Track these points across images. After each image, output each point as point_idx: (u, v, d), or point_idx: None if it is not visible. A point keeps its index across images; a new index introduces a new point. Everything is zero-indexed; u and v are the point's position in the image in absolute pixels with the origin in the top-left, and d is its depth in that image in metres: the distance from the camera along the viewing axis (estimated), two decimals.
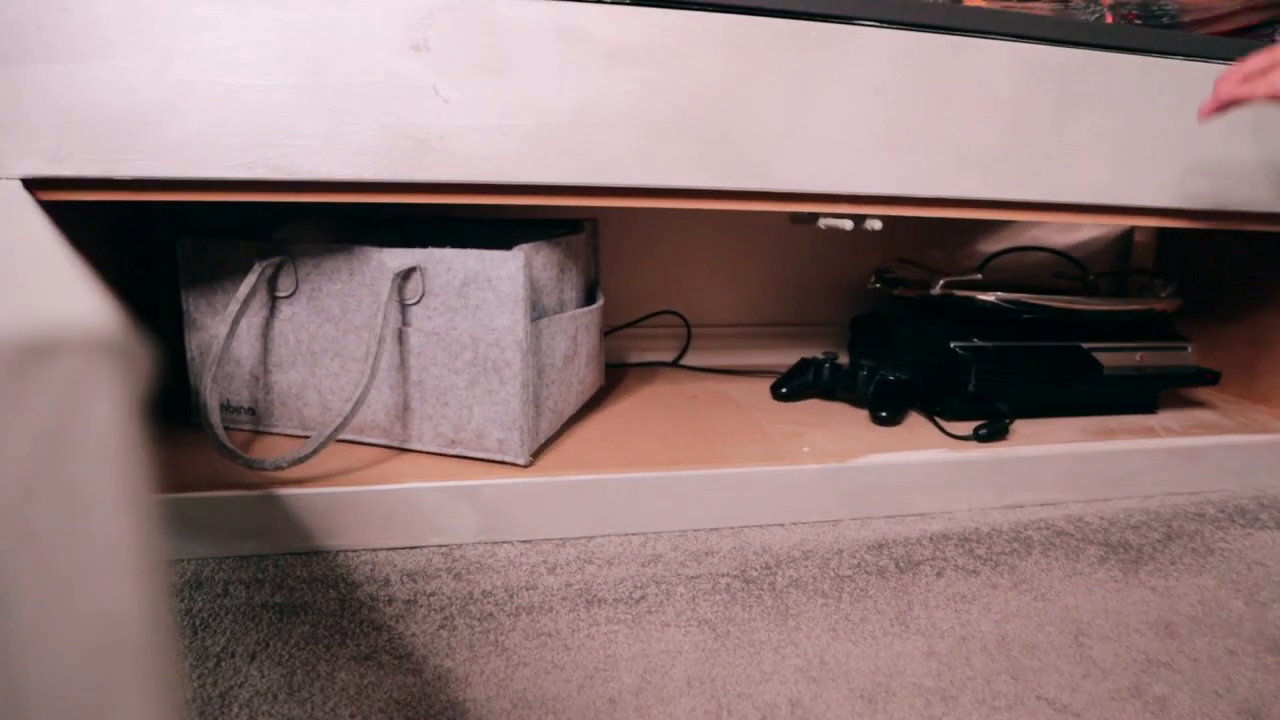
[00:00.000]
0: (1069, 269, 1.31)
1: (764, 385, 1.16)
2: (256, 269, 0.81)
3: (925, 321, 1.07)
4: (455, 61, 0.70)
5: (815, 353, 1.28)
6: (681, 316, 1.25)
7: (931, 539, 0.85)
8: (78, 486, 0.14)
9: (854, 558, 0.80)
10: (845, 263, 1.33)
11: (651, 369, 1.22)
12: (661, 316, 1.25)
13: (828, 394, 1.10)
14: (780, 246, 1.30)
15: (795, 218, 0.95)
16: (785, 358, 1.30)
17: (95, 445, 0.14)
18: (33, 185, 0.66)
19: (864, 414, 1.04)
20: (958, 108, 0.82)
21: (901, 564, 0.80)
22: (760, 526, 0.86)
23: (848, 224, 0.82)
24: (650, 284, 1.25)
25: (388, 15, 0.69)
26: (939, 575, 0.78)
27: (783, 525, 0.87)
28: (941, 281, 1.04)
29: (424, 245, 0.85)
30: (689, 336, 1.25)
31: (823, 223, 0.84)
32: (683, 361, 1.25)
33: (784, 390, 1.08)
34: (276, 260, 0.83)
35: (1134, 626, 0.72)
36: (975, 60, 0.82)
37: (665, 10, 0.74)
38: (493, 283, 0.78)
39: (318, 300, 0.83)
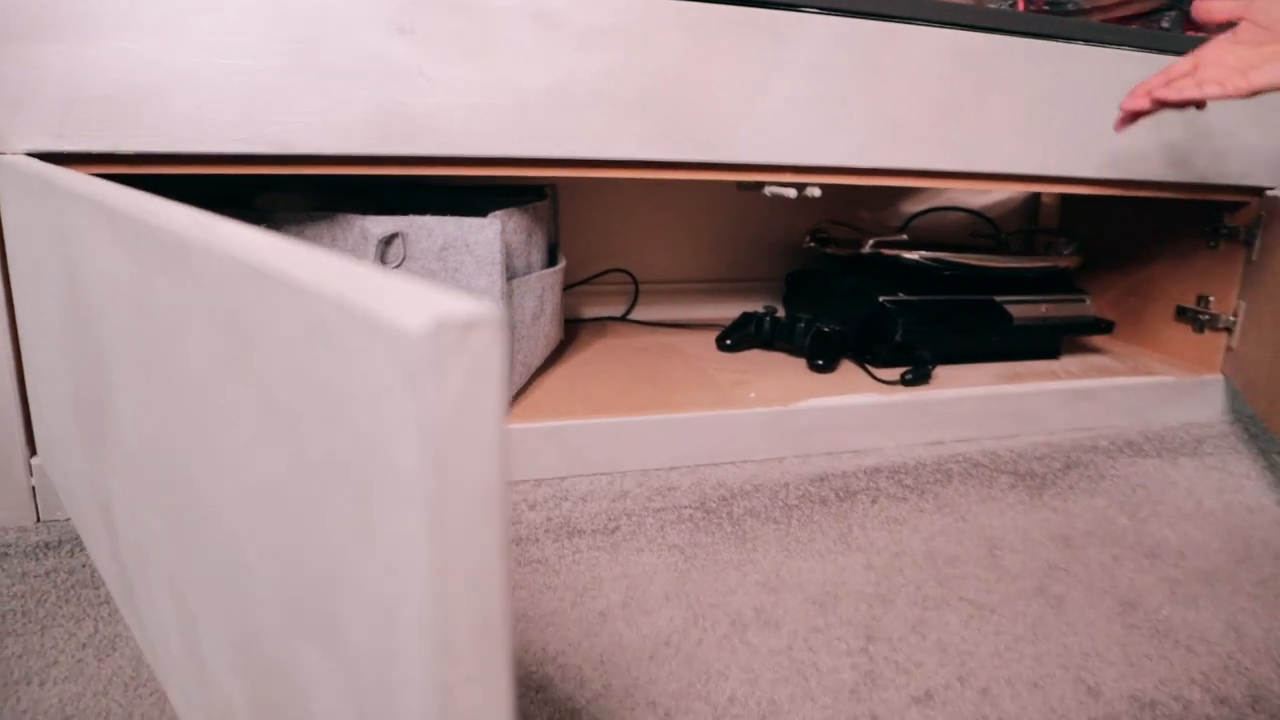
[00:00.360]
0: (983, 228, 1.43)
1: (708, 337, 1.25)
2: None
3: (856, 278, 1.17)
4: (438, 44, 0.76)
5: (754, 307, 1.38)
6: (630, 274, 1.33)
7: (865, 472, 0.96)
8: (479, 433, 0.20)
9: (799, 489, 0.91)
10: (781, 223, 1.42)
11: (603, 323, 1.30)
12: (611, 274, 1.33)
13: (768, 345, 1.19)
14: (721, 208, 1.38)
15: (742, 185, 1.03)
16: (726, 311, 1.39)
17: (492, 404, 0.20)
18: (39, 159, 0.70)
19: (802, 363, 1.14)
20: (891, 87, 0.91)
21: (840, 494, 0.90)
22: (714, 465, 0.95)
23: (791, 192, 0.91)
24: (601, 244, 1.33)
25: (384, 3, 0.74)
26: (873, 502, 0.89)
27: (734, 463, 0.96)
28: (871, 241, 1.14)
29: (399, 212, 0.90)
30: (636, 293, 1.33)
31: (768, 190, 0.92)
32: (631, 316, 1.33)
33: (728, 342, 1.18)
34: (260, 227, 0.87)
35: (1037, 540, 0.84)
36: (906, 44, 0.91)
37: None
38: (471, 247, 0.85)
39: None
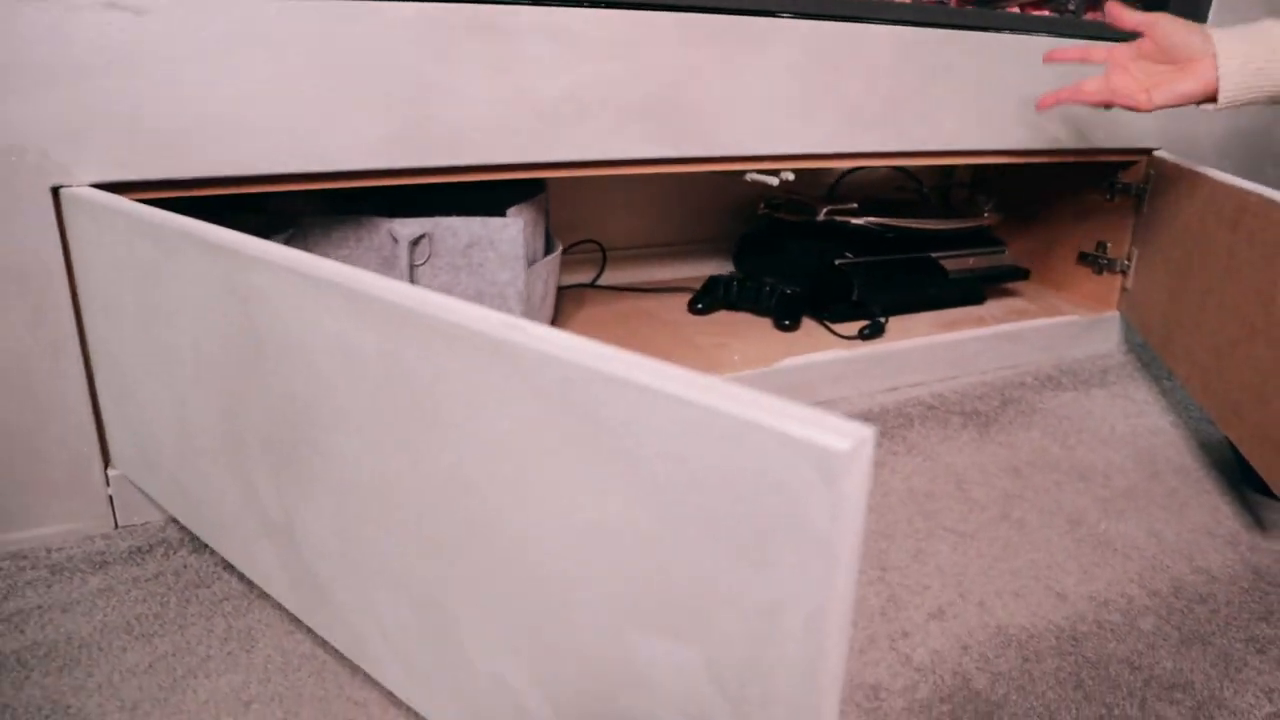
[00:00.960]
0: (906, 183, 1.57)
1: (677, 300, 1.35)
2: (276, 242, 0.90)
3: (812, 242, 1.29)
4: (468, 63, 0.82)
5: (708, 268, 1.49)
6: (599, 244, 1.41)
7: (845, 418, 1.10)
8: (858, 502, 0.30)
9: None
10: (730, 189, 1.53)
11: (578, 291, 1.38)
12: (581, 245, 1.41)
13: (734, 306, 1.31)
14: (676, 178, 1.47)
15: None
16: (682, 272, 1.50)
17: (865, 485, 0.30)
18: (101, 189, 0.74)
19: (767, 322, 1.26)
20: (851, 81, 1.02)
21: None
22: None
23: (773, 180, 1.01)
24: (569, 215, 1.40)
25: (412, 27, 0.79)
26: None
27: None
28: (825, 210, 1.26)
29: (410, 207, 0.96)
30: (604, 261, 1.42)
31: (749, 177, 1.03)
32: (600, 282, 1.42)
33: (699, 306, 1.29)
34: (289, 233, 0.92)
35: (993, 473, 1.00)
36: (863, 42, 1.01)
37: (630, 10, 0.88)
38: (495, 244, 0.92)
39: None
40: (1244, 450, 0.93)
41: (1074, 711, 0.66)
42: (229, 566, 0.76)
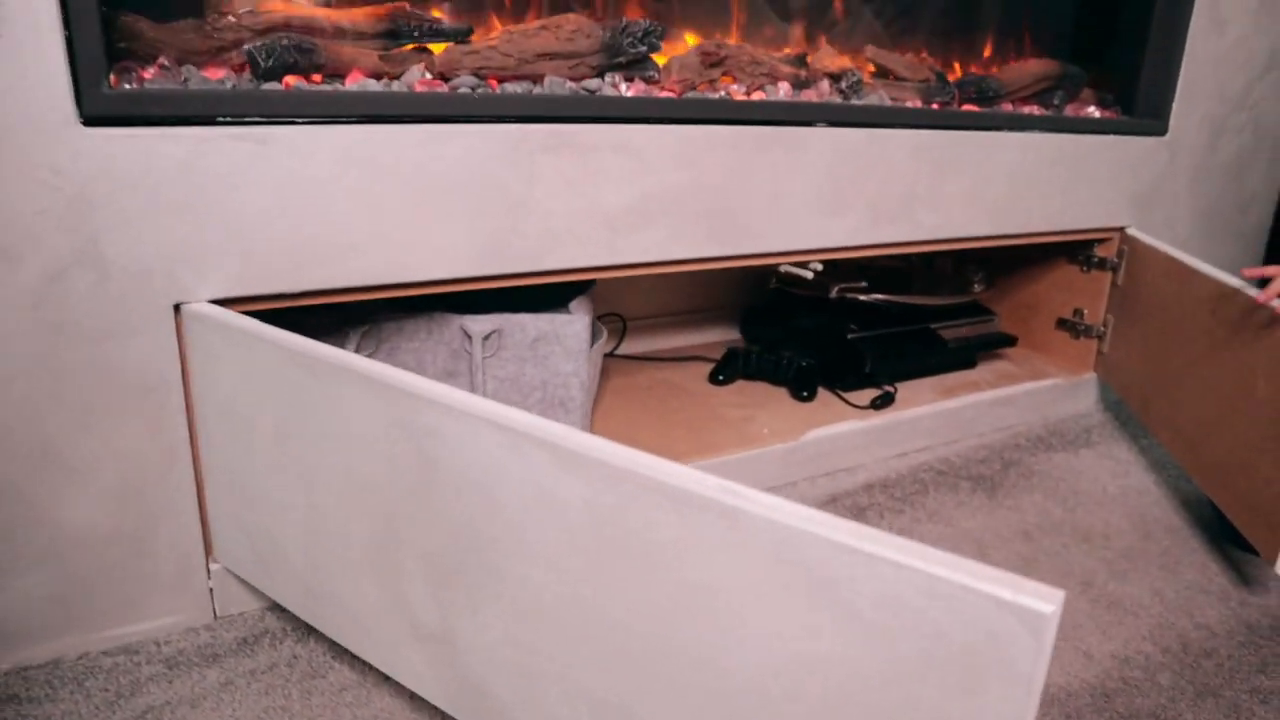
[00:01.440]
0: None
1: (696, 370, 1.43)
2: (354, 338, 0.96)
3: (824, 316, 1.39)
4: (548, 179, 0.90)
5: (717, 335, 1.57)
6: (620, 316, 1.49)
7: (863, 489, 1.19)
8: (1050, 643, 0.39)
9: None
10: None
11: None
12: (603, 316, 1.48)
13: (750, 377, 1.39)
14: None
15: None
16: (693, 339, 1.58)
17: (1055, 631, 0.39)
18: (217, 303, 0.79)
19: (784, 392, 1.35)
20: (874, 180, 1.12)
21: (853, 512, 1.13)
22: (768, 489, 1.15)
23: (808, 273, 1.10)
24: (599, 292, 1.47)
25: (499, 146, 0.86)
26: (881, 517, 1.12)
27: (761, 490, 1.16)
28: (836, 288, 1.35)
29: (471, 302, 1.01)
30: (624, 331, 1.50)
31: (783, 269, 1.12)
32: (619, 351, 1.49)
33: (720, 377, 1.37)
34: (364, 329, 0.98)
35: (1007, 537, 1.09)
36: (885, 145, 1.12)
37: (691, 125, 0.96)
38: (561, 339, 0.99)
39: (395, 357, 1.00)
40: (1229, 515, 1.05)
41: None
42: (338, 655, 0.81)
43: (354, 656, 0.81)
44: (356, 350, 0.99)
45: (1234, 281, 1.08)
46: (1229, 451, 1.05)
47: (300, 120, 0.77)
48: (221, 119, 0.75)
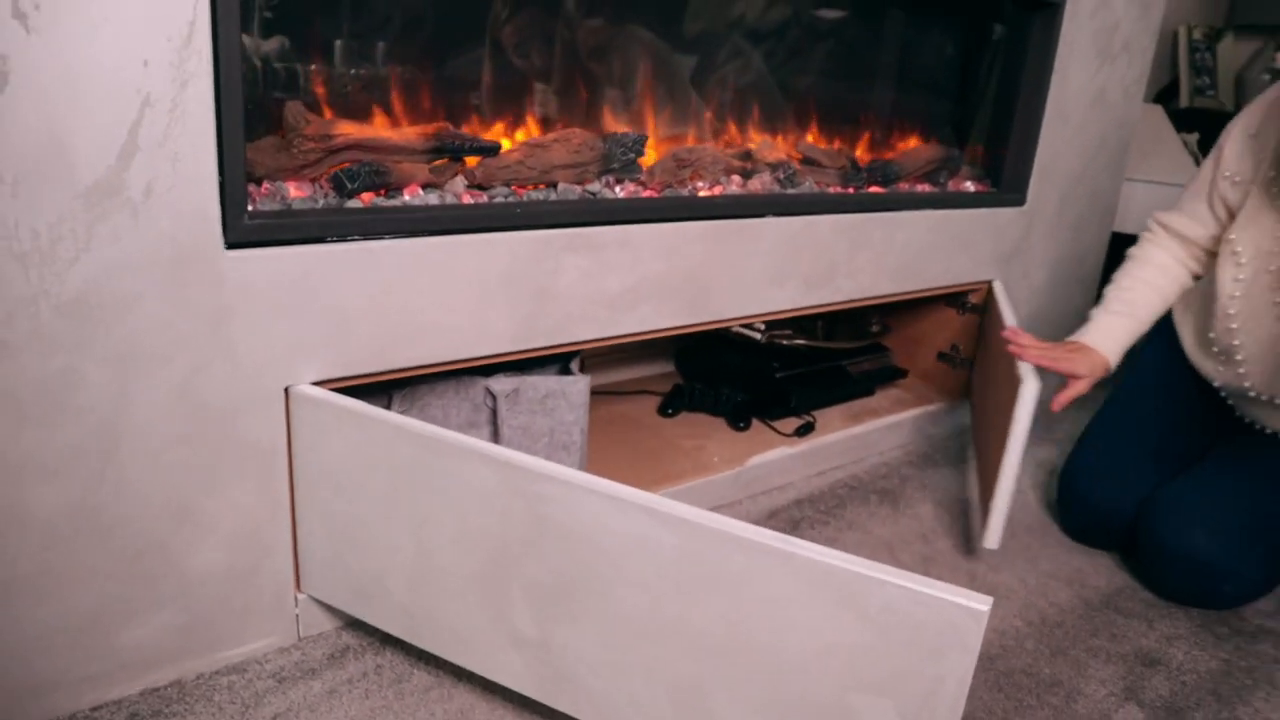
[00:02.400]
0: None
1: (645, 403, 1.67)
2: (396, 399, 1.15)
3: (752, 356, 1.65)
4: (568, 271, 1.11)
5: (651, 370, 1.82)
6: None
7: (795, 504, 1.46)
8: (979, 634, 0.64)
9: (761, 524, 1.38)
10: None
11: None
12: None
13: (693, 409, 1.64)
14: None
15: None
16: (636, 372, 1.82)
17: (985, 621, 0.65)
18: (317, 384, 0.97)
19: (722, 422, 1.61)
20: (806, 255, 1.39)
21: (789, 524, 1.39)
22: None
23: (756, 334, 1.36)
24: None
25: (532, 248, 1.08)
26: (811, 528, 1.39)
27: (709, 509, 1.41)
28: (768, 334, 1.62)
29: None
30: (583, 365, 1.71)
31: (735, 330, 1.37)
32: None
33: (669, 410, 1.62)
34: (405, 390, 1.17)
35: (910, 540, 1.39)
36: (815, 228, 1.38)
37: (674, 223, 1.20)
38: (566, 395, 1.21)
39: (425, 412, 1.19)
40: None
41: (1000, 704, 1.04)
42: (413, 662, 1.01)
43: (427, 662, 1.01)
44: (393, 406, 1.18)
45: (1009, 324, 1.42)
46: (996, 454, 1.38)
47: (387, 235, 0.97)
48: (329, 238, 0.93)
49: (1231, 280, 1.25)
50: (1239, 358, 1.27)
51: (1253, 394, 1.28)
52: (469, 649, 0.92)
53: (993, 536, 1.24)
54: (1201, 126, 2.56)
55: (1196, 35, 2.80)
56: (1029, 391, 1.26)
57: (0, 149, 0.73)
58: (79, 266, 0.80)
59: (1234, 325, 1.25)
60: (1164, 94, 2.87)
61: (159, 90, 0.79)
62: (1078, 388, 1.33)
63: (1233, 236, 1.26)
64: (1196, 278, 1.40)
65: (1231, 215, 1.30)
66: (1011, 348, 1.34)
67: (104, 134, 0.78)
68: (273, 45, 1.04)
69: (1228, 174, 1.29)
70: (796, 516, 1.42)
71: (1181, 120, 2.61)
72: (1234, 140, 1.29)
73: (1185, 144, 2.40)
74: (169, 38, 0.79)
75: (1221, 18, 2.96)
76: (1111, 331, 1.36)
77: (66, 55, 0.74)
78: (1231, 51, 2.88)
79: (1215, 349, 1.31)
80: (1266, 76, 2.75)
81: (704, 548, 0.74)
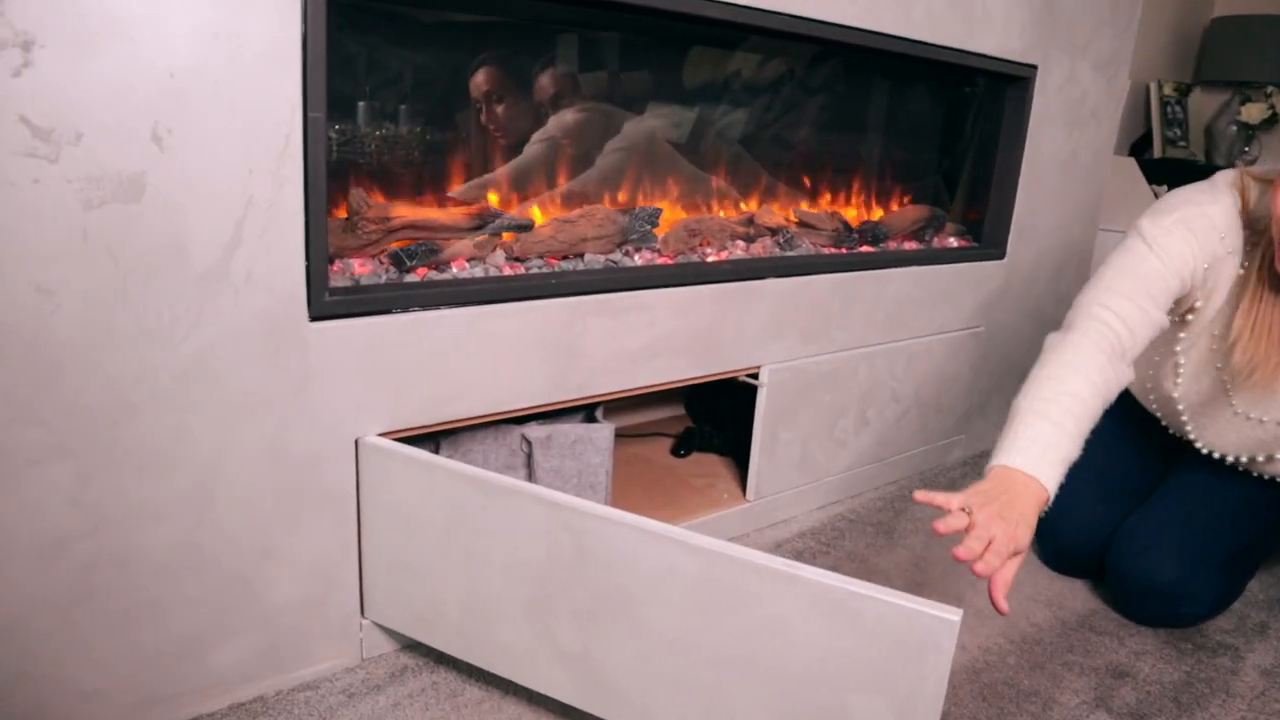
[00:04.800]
0: None
1: (659, 445, 1.81)
2: (444, 446, 1.30)
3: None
4: (594, 333, 1.27)
5: (664, 410, 1.96)
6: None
7: (798, 536, 1.60)
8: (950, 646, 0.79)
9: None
10: None
11: None
12: None
13: (704, 450, 1.79)
14: None
15: None
16: (650, 415, 1.96)
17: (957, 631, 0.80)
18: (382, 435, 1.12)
19: (730, 462, 1.75)
20: (803, 310, 1.54)
21: (794, 555, 1.53)
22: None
23: (756, 382, 1.51)
24: None
25: (563, 314, 1.23)
26: (814, 558, 1.53)
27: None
28: None
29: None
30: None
31: (740, 378, 1.52)
32: None
33: (681, 451, 1.76)
34: (451, 438, 1.31)
35: (905, 568, 1.52)
36: (811, 286, 1.54)
37: (686, 287, 1.36)
38: (593, 441, 1.36)
39: (467, 456, 1.34)
40: None
41: (985, 712, 1.17)
42: (465, 679, 1.15)
43: (477, 678, 1.14)
44: (441, 452, 1.32)
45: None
46: None
47: (442, 306, 1.12)
48: (394, 310, 1.08)
49: (1172, 382, 1.37)
50: (1188, 427, 1.40)
51: (1203, 450, 1.41)
52: (519, 665, 1.05)
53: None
54: (1173, 176, 2.73)
55: (1167, 90, 2.99)
56: None
57: (136, 246, 0.89)
58: (191, 340, 0.95)
59: (1183, 413, 1.37)
60: (1138, 145, 3.04)
61: (260, 192, 0.95)
62: (1017, 563, 0.95)
63: (1183, 335, 1.31)
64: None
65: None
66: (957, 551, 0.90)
67: (215, 230, 0.93)
68: (335, 136, 1.20)
69: (1205, 259, 1.20)
70: (800, 548, 1.56)
71: (1155, 170, 2.78)
72: (1207, 232, 1.20)
73: (1155, 194, 2.57)
74: (268, 148, 0.95)
75: (1190, 73, 3.15)
76: (1055, 447, 1.03)
77: (189, 168, 0.90)
78: (1200, 104, 3.06)
79: (1158, 412, 1.44)
80: (1234, 128, 2.93)
81: (723, 573, 0.88)
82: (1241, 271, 1.22)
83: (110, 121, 0.84)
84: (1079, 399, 1.07)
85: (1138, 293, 1.18)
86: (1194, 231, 1.20)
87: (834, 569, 1.51)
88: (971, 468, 1.98)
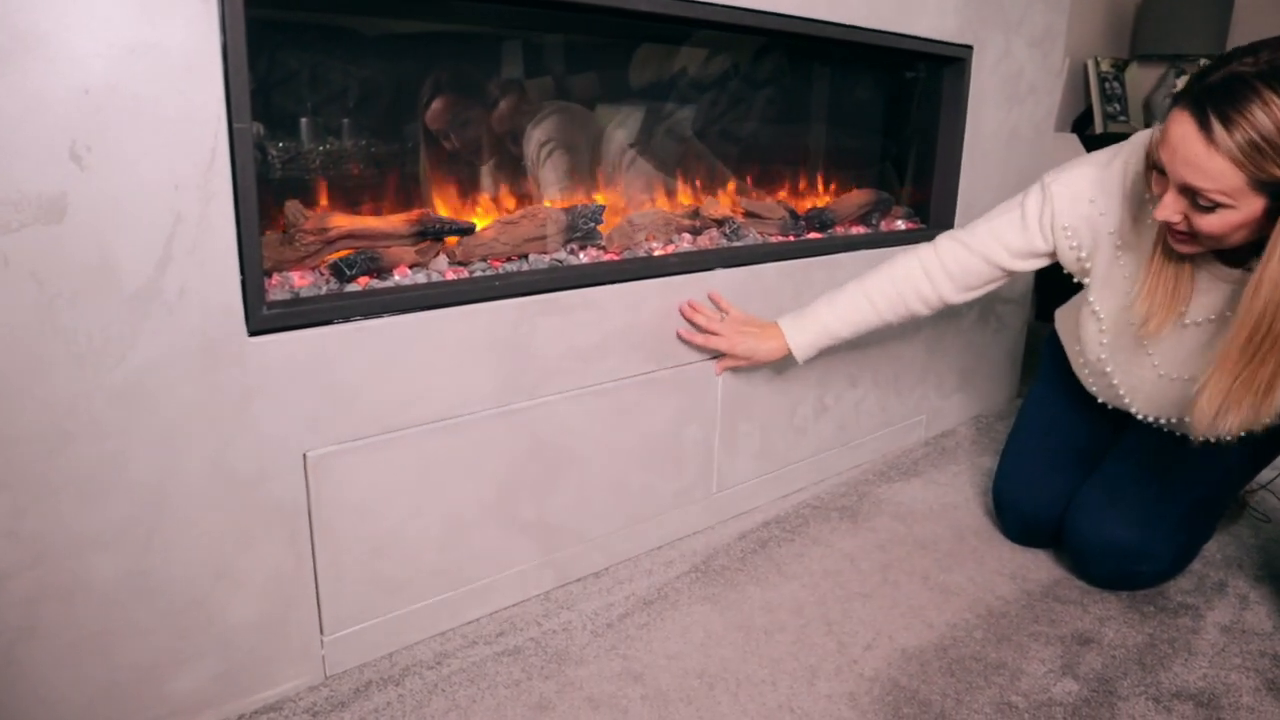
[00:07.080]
0: None
1: None
2: None
3: None
4: (543, 332, 1.26)
5: None
6: None
7: (763, 525, 1.60)
8: None
9: (738, 546, 1.52)
10: None
11: None
12: None
13: None
14: None
15: None
16: None
17: None
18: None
19: None
20: (754, 300, 1.54)
21: (759, 543, 1.53)
22: (683, 539, 1.54)
23: (715, 374, 1.51)
24: None
25: (514, 313, 1.22)
26: (780, 545, 1.53)
27: (687, 534, 1.55)
28: None
29: None
30: None
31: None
32: None
33: None
34: None
35: (870, 550, 1.53)
36: (760, 275, 1.54)
37: (634, 282, 1.35)
38: None
39: None
40: None
41: (953, 687, 1.18)
42: (430, 690, 1.13)
43: (441, 691, 1.13)
44: None
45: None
46: None
47: (385, 314, 1.11)
48: (335, 320, 1.07)
49: (1097, 343, 1.37)
50: (1121, 393, 1.40)
51: (1139, 416, 1.41)
52: (496, 561, 1.07)
53: None
54: None
55: (1105, 66, 3.04)
56: None
57: (61, 269, 0.87)
58: (126, 362, 0.93)
59: (1112, 376, 1.38)
60: (1080, 121, 3.09)
61: (188, 208, 0.93)
62: (728, 363, 1.49)
63: (1092, 299, 1.35)
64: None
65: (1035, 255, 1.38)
66: (681, 331, 1.44)
67: (144, 248, 0.91)
68: (271, 151, 1.18)
69: (1065, 226, 1.32)
70: (765, 537, 1.56)
71: (1097, 145, 2.82)
72: (1068, 200, 1.31)
73: None
74: (195, 163, 0.93)
75: (1126, 49, 3.21)
76: (819, 321, 1.46)
77: (112, 187, 0.88)
78: (1138, 79, 3.12)
79: (1094, 386, 1.46)
80: (1169, 100, 2.98)
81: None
82: (1122, 230, 1.27)
83: (25, 142, 0.83)
84: (868, 297, 1.47)
85: (990, 234, 1.40)
86: (1064, 194, 1.31)
87: (799, 555, 1.52)
88: (934, 447, 2.00)
